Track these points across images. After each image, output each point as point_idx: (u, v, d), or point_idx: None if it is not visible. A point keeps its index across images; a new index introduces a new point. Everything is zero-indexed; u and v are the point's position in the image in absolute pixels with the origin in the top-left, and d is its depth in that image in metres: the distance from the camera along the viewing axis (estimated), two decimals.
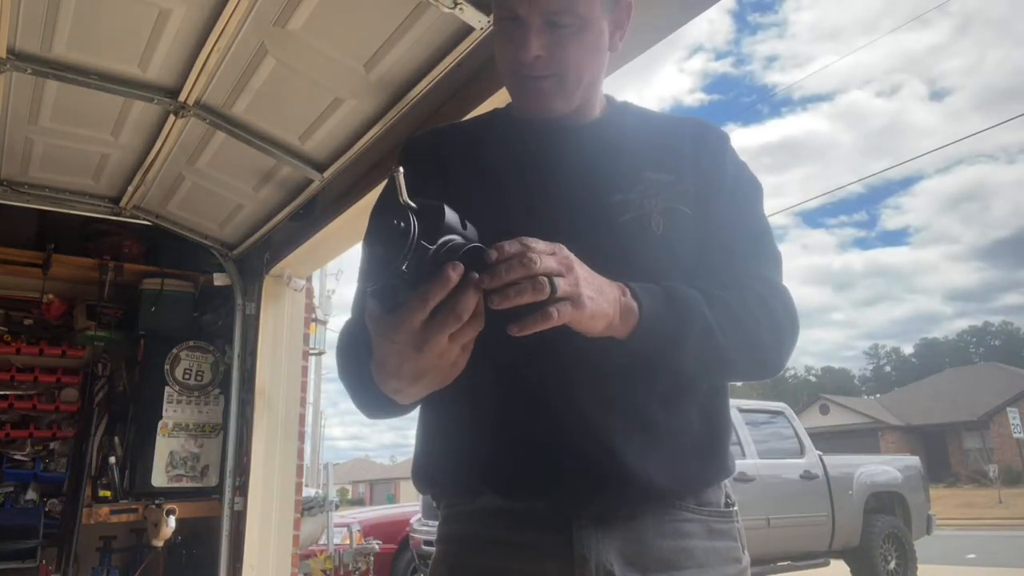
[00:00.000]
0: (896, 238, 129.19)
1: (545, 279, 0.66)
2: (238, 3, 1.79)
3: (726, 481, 0.93)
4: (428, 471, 0.96)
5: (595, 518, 0.83)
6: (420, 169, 0.96)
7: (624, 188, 0.91)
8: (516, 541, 0.85)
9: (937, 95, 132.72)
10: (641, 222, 0.89)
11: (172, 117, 2.34)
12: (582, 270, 0.71)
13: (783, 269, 0.96)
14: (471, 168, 0.97)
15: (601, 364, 0.83)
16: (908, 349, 76.59)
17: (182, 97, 2.24)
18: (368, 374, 0.76)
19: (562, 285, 0.68)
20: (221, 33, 1.91)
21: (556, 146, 0.96)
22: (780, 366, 0.89)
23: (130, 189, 2.93)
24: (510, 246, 0.67)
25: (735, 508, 0.92)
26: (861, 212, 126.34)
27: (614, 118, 1.01)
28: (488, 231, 0.90)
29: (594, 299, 0.71)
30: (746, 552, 0.91)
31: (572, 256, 0.71)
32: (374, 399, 0.81)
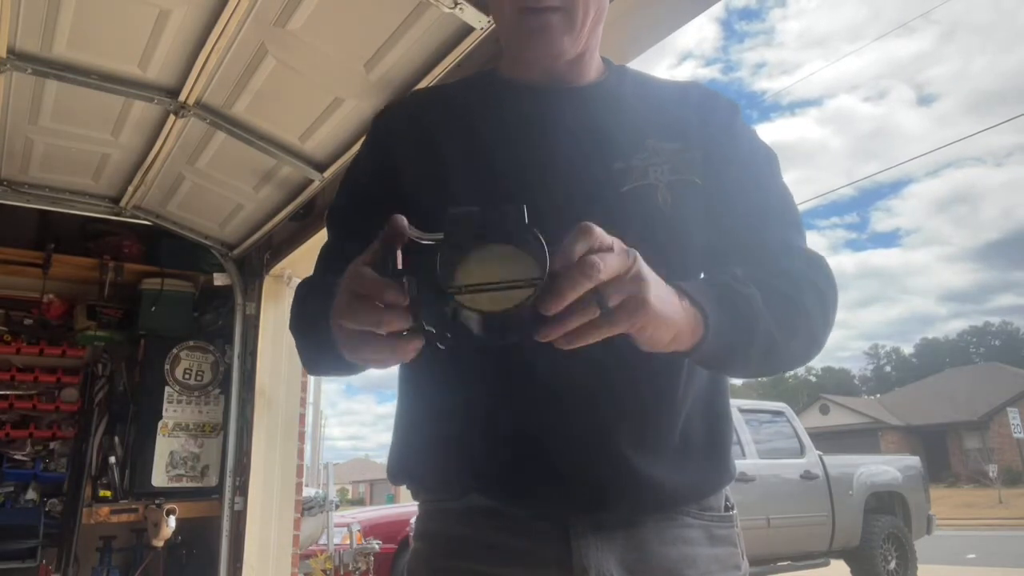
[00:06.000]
0: (888, 240, 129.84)
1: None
2: (238, 3, 1.79)
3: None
4: (407, 465, 0.88)
5: (594, 525, 0.78)
6: (401, 141, 0.91)
7: (626, 155, 0.83)
8: (509, 546, 0.79)
9: (925, 100, 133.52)
10: (645, 193, 0.82)
11: (172, 117, 2.34)
12: (647, 271, 0.62)
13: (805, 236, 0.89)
14: (459, 136, 0.89)
15: (604, 362, 0.75)
16: (908, 349, 76.71)
17: (182, 97, 2.24)
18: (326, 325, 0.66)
19: (623, 292, 0.59)
20: (221, 33, 1.91)
21: (551, 109, 0.89)
22: (824, 345, 0.82)
23: (130, 189, 2.93)
24: (571, 252, 0.57)
25: (734, 512, 0.88)
26: (852, 214, 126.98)
27: (613, 81, 0.93)
28: (474, 203, 0.86)
29: (662, 300, 0.62)
30: (745, 559, 0.87)
31: (636, 253, 0.61)
32: (325, 350, 0.70)
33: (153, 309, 3.40)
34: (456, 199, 0.83)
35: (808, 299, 0.78)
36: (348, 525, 7.03)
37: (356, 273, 0.59)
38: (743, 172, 0.87)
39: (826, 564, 6.88)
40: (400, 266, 0.57)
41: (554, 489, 0.78)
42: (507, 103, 0.91)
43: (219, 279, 3.39)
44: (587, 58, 0.92)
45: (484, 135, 0.89)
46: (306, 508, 5.48)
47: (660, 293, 0.62)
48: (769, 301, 0.73)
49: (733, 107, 0.92)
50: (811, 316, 0.78)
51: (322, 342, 0.69)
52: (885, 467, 7.68)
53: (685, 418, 0.82)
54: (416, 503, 0.93)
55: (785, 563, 6.36)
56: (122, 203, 3.05)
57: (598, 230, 0.58)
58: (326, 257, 0.92)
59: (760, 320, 0.71)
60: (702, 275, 0.87)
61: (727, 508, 0.87)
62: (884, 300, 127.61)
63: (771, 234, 0.85)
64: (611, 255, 0.58)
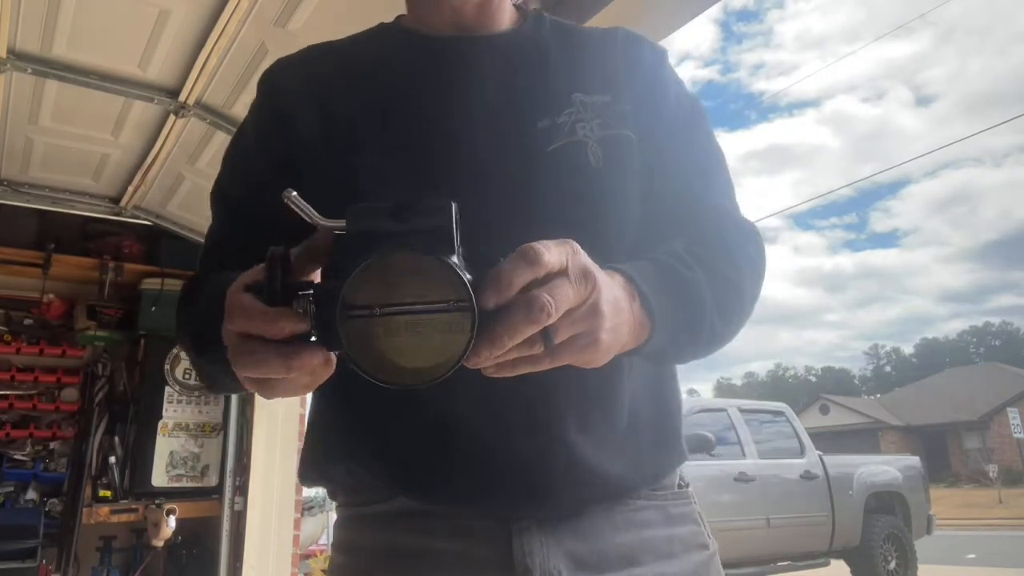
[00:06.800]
0: (886, 240, 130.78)
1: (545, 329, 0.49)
2: (238, 3, 1.79)
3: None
4: (320, 464, 0.78)
5: (538, 520, 0.70)
6: (293, 100, 0.79)
7: (552, 111, 0.75)
8: (441, 551, 0.70)
9: (922, 101, 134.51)
10: (574, 151, 0.74)
11: (172, 117, 2.35)
12: (605, 290, 0.54)
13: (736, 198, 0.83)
14: (358, 94, 0.78)
15: None
16: (908, 349, 76.82)
17: (182, 97, 2.24)
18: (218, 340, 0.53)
19: (574, 329, 0.51)
20: (221, 33, 1.91)
21: (462, 61, 0.78)
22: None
23: (130, 189, 2.93)
24: (509, 286, 0.47)
25: (690, 488, 0.81)
26: (851, 215, 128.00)
27: (531, 29, 0.83)
28: (386, 172, 0.72)
29: (615, 329, 0.55)
30: (712, 538, 0.79)
31: (593, 274, 0.52)
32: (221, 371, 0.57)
33: (153, 309, 3.40)
34: (360, 166, 0.73)
35: (746, 279, 0.74)
36: None
37: (238, 306, 0.48)
38: (673, 126, 0.81)
39: (826, 564, 6.87)
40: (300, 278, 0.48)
41: (490, 483, 0.69)
42: (413, 56, 0.80)
43: None
44: (498, 1, 0.82)
45: (390, 93, 0.78)
46: (306, 508, 5.48)
47: (615, 320, 0.54)
48: (714, 288, 0.67)
49: (660, 53, 0.85)
50: (747, 298, 0.74)
51: (218, 371, 0.57)
52: (885, 467, 7.68)
53: (631, 398, 0.75)
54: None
55: (785, 563, 6.36)
56: (122, 203, 3.05)
57: (546, 253, 0.49)
58: (211, 248, 0.80)
59: (706, 315, 0.67)
60: (638, 239, 0.77)
61: (680, 486, 0.80)
62: (883, 300, 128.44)
63: (704, 199, 0.80)
64: (563, 286, 0.49)
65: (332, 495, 0.80)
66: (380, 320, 0.45)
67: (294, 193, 0.49)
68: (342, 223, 0.48)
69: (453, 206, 0.47)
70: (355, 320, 0.45)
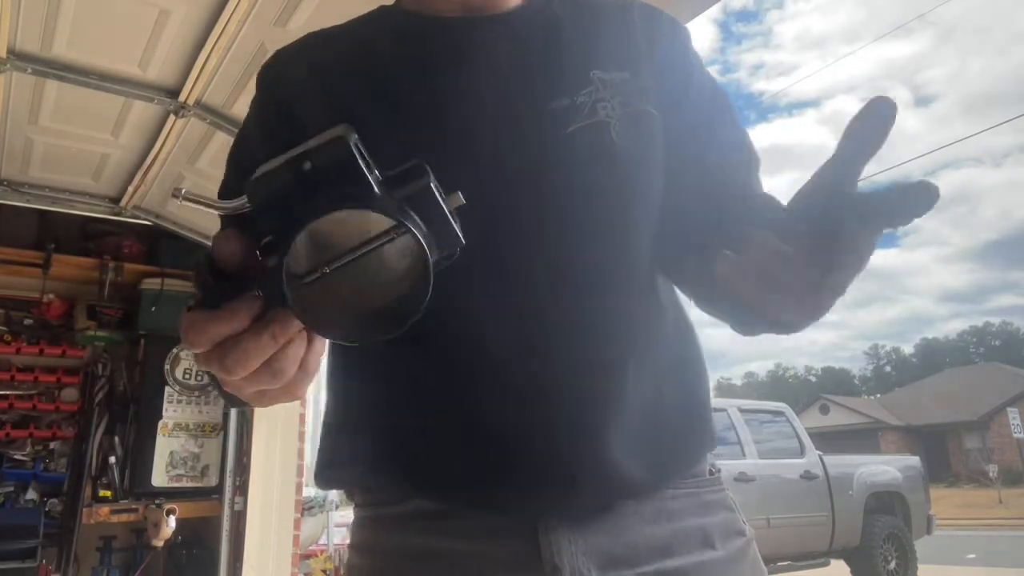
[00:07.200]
0: (886, 240, 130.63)
1: None
2: (238, 3, 1.79)
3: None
4: (336, 467, 0.76)
5: (564, 517, 0.67)
6: (296, 90, 0.76)
7: (569, 91, 0.71)
8: (462, 551, 0.68)
9: (922, 101, 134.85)
10: (595, 131, 0.70)
11: (172, 117, 2.35)
12: None
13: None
14: (360, 81, 0.75)
15: (557, 328, 0.67)
16: (908, 349, 76.87)
17: (182, 97, 2.24)
18: None
19: None
20: (221, 33, 1.91)
21: (468, 42, 0.75)
22: None
23: (130, 189, 2.93)
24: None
25: (720, 474, 0.78)
26: None
27: (540, 5, 0.79)
28: (389, 159, 0.71)
29: None
30: (747, 524, 0.76)
31: None
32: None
33: (153, 309, 3.40)
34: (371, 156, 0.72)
35: None
36: (348, 525, 7.02)
37: (192, 326, 0.46)
38: (700, 104, 0.78)
39: (826, 564, 6.87)
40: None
41: (511, 484, 0.66)
42: (416, 39, 0.77)
43: None
44: None
45: (391, 78, 0.75)
46: (306, 508, 5.48)
47: None
48: None
49: (680, 26, 0.83)
50: None
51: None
52: (885, 467, 7.68)
53: (655, 384, 0.72)
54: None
55: (785, 563, 6.36)
56: (122, 203, 3.05)
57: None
58: None
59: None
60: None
61: (712, 472, 0.77)
62: (883, 300, 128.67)
63: (750, 179, 0.76)
64: None
65: (349, 496, 0.78)
66: (331, 276, 0.42)
67: (184, 191, 0.47)
68: (243, 201, 0.45)
69: (350, 135, 0.43)
70: (307, 288, 0.42)
